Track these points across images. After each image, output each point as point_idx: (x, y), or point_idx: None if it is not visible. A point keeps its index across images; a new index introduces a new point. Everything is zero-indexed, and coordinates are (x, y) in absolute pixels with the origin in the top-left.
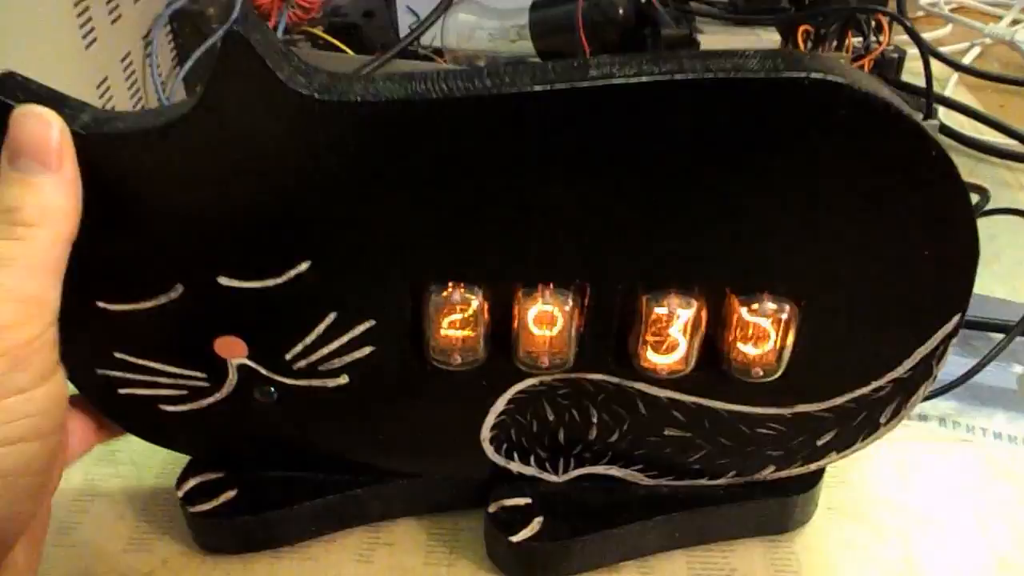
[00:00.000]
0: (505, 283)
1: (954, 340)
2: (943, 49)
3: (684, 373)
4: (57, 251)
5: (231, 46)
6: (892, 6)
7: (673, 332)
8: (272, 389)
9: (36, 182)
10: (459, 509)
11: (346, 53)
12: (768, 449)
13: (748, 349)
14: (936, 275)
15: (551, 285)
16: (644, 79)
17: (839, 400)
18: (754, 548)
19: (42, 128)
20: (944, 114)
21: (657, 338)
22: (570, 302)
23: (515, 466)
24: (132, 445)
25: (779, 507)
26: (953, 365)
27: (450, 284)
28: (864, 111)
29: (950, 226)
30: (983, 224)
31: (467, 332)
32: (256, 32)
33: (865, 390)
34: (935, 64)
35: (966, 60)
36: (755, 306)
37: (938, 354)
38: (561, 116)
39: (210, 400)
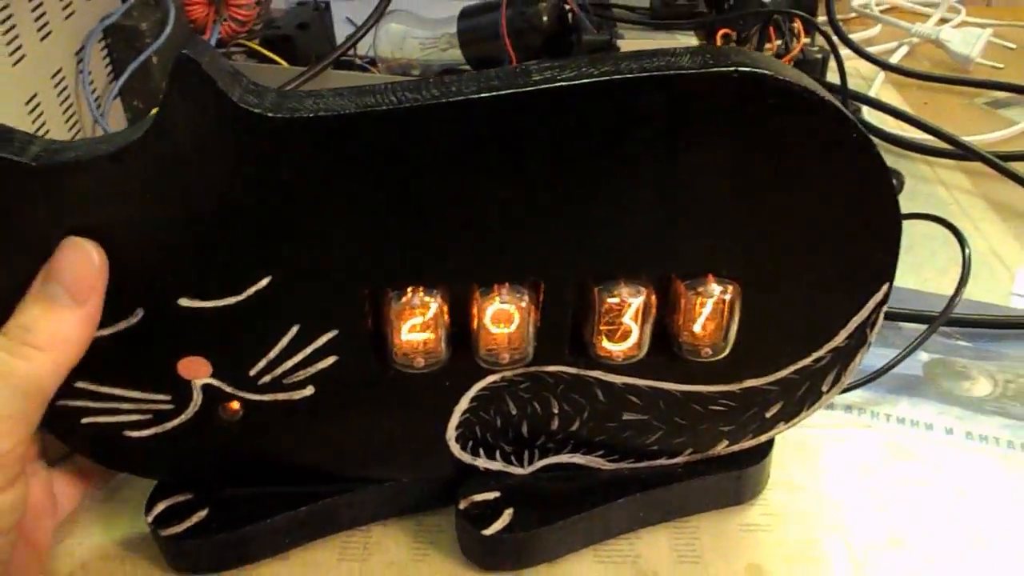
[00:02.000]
0: (462, 285)
1: (884, 307)
2: (872, 49)
3: (638, 358)
4: (56, 377)
5: (182, 69)
6: (822, 8)
7: (626, 320)
8: (237, 404)
9: (58, 312)
10: (429, 509)
11: (280, 65)
12: (721, 425)
13: (696, 330)
14: (864, 247)
15: (507, 284)
16: (585, 81)
17: (783, 372)
18: (659, 534)
19: (83, 263)
20: (868, 113)
21: (611, 327)
22: (526, 299)
23: (481, 462)
24: None
25: (735, 479)
26: (870, 356)
27: (409, 289)
28: (788, 98)
29: (874, 200)
30: None
31: (428, 335)
32: (205, 54)
33: (807, 361)
34: (864, 64)
35: (895, 59)
36: (700, 288)
37: (871, 321)
38: (506, 120)
39: (175, 422)
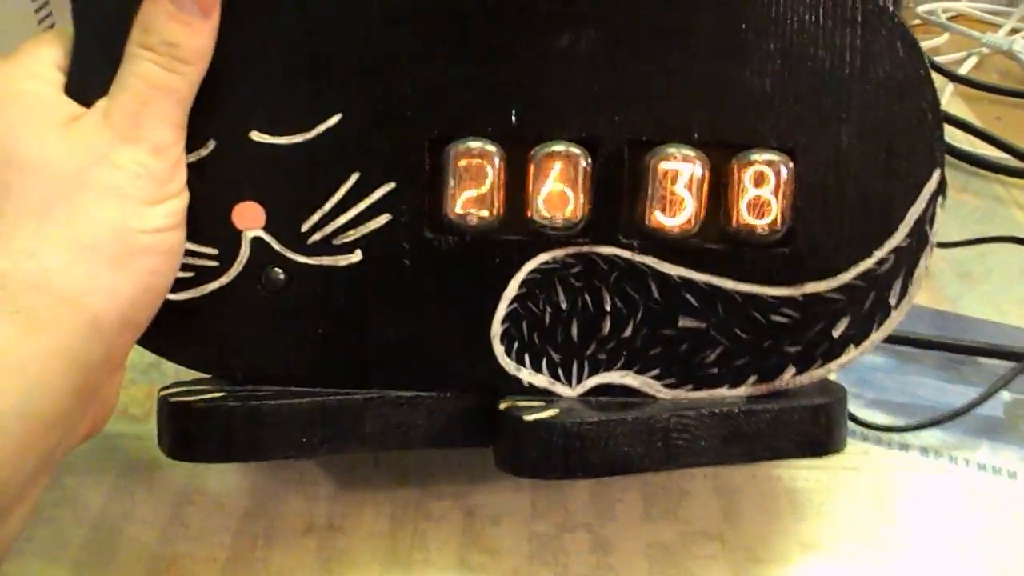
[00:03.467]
0: (520, 138)
1: (941, 201)
2: (939, 59)
3: (693, 231)
4: (194, 91)
5: None
6: None
7: (679, 189)
8: (281, 271)
9: (196, 26)
10: (461, 444)
11: None
12: (786, 344)
13: (749, 205)
14: (908, 130)
15: (563, 142)
16: None
17: (846, 277)
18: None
19: None
20: None
21: (665, 198)
22: (581, 160)
23: (526, 374)
24: None
25: (808, 416)
26: (947, 394)
27: (470, 141)
28: None
29: (911, 83)
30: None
31: (483, 188)
32: None
33: (870, 263)
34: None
35: (963, 70)
36: (753, 158)
37: (929, 216)
38: None
39: (216, 284)
